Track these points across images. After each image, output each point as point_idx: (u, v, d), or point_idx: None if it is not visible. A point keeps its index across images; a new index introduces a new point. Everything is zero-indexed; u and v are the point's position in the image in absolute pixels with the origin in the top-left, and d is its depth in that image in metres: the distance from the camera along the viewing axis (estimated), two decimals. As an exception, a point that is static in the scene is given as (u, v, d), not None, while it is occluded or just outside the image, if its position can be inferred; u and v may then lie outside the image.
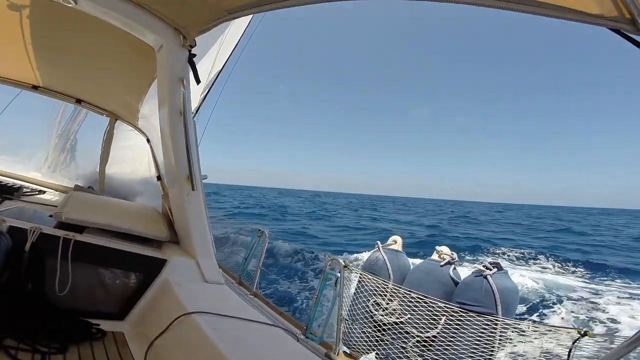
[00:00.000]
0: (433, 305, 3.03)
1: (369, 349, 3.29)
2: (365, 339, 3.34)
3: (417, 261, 3.88)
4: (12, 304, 2.20)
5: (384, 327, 3.31)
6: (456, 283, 3.19)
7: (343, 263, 3.55)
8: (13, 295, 2.24)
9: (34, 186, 4.59)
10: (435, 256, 3.46)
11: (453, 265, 3.31)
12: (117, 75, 3.62)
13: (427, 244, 20.41)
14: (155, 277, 2.65)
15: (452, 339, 2.91)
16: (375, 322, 3.36)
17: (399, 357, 3.11)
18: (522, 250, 20.97)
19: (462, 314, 2.89)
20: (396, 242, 3.84)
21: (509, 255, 20.06)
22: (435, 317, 3.03)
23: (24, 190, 4.05)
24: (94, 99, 4.51)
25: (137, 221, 2.95)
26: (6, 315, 2.10)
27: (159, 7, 2.21)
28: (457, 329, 2.90)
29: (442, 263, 3.33)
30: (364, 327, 3.41)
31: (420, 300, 3.11)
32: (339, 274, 3.56)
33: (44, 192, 4.50)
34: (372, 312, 3.40)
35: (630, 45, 1.08)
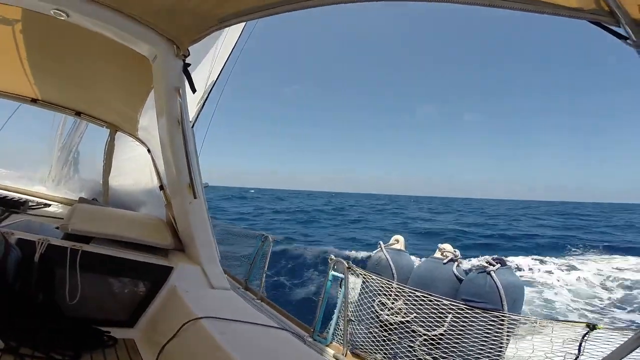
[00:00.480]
0: (438, 303, 3.03)
1: (376, 349, 3.29)
2: (373, 339, 3.34)
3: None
4: (25, 313, 2.24)
5: (391, 326, 3.31)
6: (460, 280, 3.17)
7: (347, 264, 3.55)
8: (25, 305, 2.28)
9: (39, 200, 4.63)
10: (437, 254, 3.45)
11: (456, 262, 3.29)
12: (115, 87, 3.64)
13: (495, 247, 19.59)
14: (163, 285, 2.68)
15: (459, 337, 2.90)
16: (382, 322, 3.36)
17: (407, 357, 3.11)
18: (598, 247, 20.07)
19: (467, 311, 2.88)
20: (398, 241, 3.83)
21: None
22: (441, 315, 3.03)
23: (30, 204, 4.09)
24: (93, 111, 4.54)
25: (142, 230, 2.98)
26: (20, 324, 2.13)
27: (151, 18, 2.22)
28: (463, 326, 2.89)
29: (445, 260, 3.31)
30: (371, 327, 3.41)
31: (425, 299, 3.10)
32: (343, 275, 3.56)
33: (49, 205, 4.54)
34: (377, 312, 3.39)
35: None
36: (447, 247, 3.44)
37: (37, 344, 2.01)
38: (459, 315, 2.92)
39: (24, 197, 4.40)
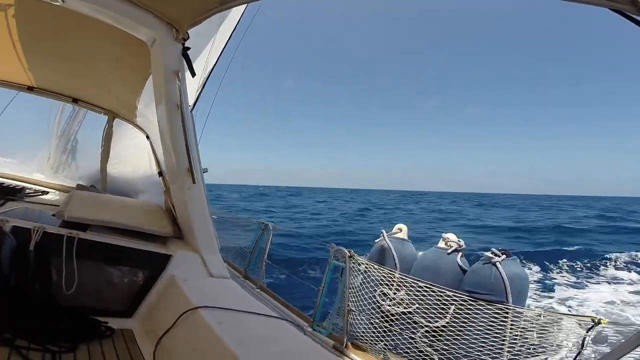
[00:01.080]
0: (441, 294, 2.98)
1: (377, 340, 3.26)
2: (373, 330, 3.30)
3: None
4: (21, 304, 2.22)
5: (392, 317, 3.28)
6: (464, 271, 3.13)
7: (348, 253, 3.51)
8: (21, 295, 2.25)
9: (37, 187, 4.58)
10: (441, 244, 3.40)
11: (460, 253, 3.24)
12: (112, 73, 3.57)
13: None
14: (161, 273, 2.66)
15: (462, 329, 2.86)
16: (383, 312, 3.32)
17: (408, 348, 3.08)
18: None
19: (471, 302, 2.84)
20: (401, 230, 3.77)
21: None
22: (444, 307, 2.98)
23: (27, 191, 4.05)
24: (91, 98, 4.47)
25: (140, 217, 2.95)
26: (16, 315, 2.11)
27: (148, 1, 2.15)
28: (466, 318, 2.85)
29: (449, 251, 3.26)
30: (372, 318, 3.37)
31: (428, 289, 3.06)
32: (344, 264, 3.52)
33: (47, 192, 4.50)
34: (379, 303, 3.36)
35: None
36: (452, 236, 3.38)
37: (32, 335, 1.98)
38: (462, 307, 2.88)
39: (22, 184, 4.36)
